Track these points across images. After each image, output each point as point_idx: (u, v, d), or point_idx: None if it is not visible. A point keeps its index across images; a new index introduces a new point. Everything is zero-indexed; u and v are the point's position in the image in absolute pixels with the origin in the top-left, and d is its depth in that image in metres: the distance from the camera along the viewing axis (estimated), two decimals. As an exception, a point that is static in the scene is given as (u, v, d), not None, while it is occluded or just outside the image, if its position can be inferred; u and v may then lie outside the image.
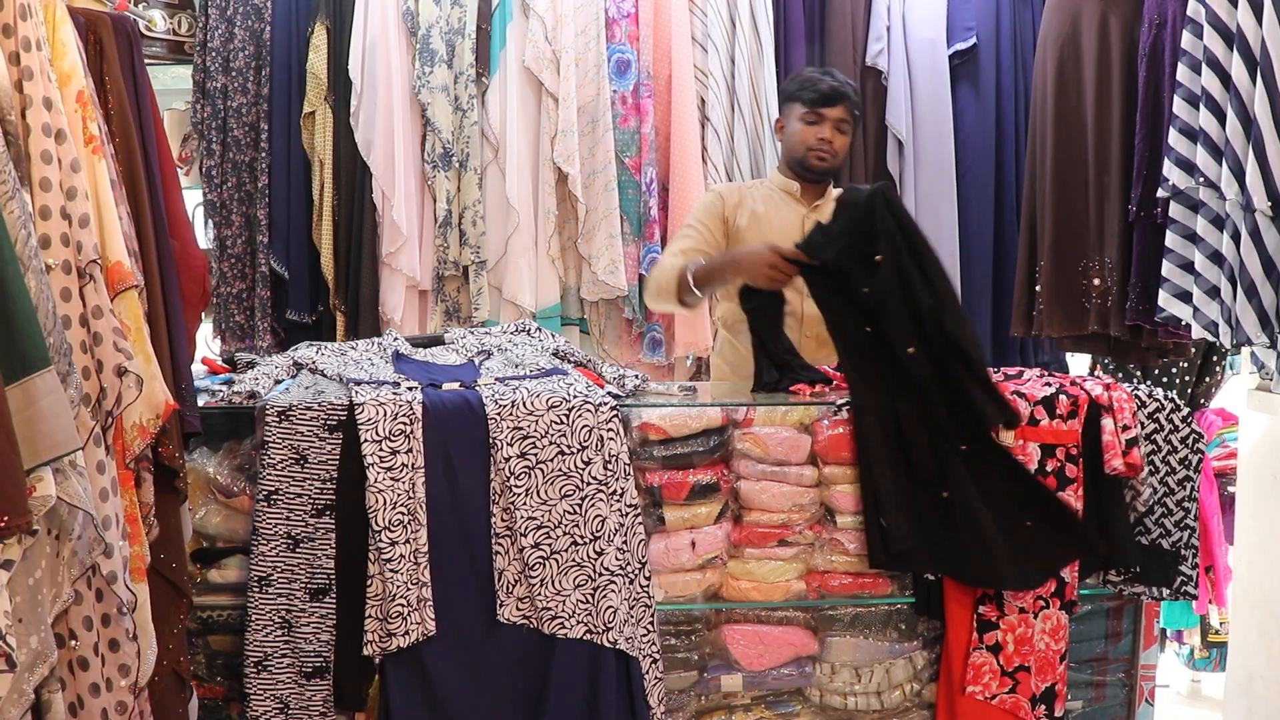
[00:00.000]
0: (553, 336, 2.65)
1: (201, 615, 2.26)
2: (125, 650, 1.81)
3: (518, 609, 2.20)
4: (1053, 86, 3.02)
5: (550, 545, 2.20)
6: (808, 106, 2.78)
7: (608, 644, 2.20)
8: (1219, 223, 2.45)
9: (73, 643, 1.74)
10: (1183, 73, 2.52)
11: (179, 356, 2.05)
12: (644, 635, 2.25)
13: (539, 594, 2.18)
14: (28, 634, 1.59)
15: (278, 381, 2.39)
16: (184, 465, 2.05)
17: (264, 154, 3.64)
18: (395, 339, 2.63)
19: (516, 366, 2.43)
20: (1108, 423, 2.35)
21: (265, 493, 2.15)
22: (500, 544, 2.20)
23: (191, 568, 2.21)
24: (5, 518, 1.44)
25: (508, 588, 2.20)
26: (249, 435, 2.27)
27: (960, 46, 3.73)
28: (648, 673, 2.24)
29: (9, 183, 1.58)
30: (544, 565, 2.19)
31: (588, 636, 2.20)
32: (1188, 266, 2.56)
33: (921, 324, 2.27)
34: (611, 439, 2.23)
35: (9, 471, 1.45)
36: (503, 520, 2.20)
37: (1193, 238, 2.54)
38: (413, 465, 2.16)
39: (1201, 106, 2.45)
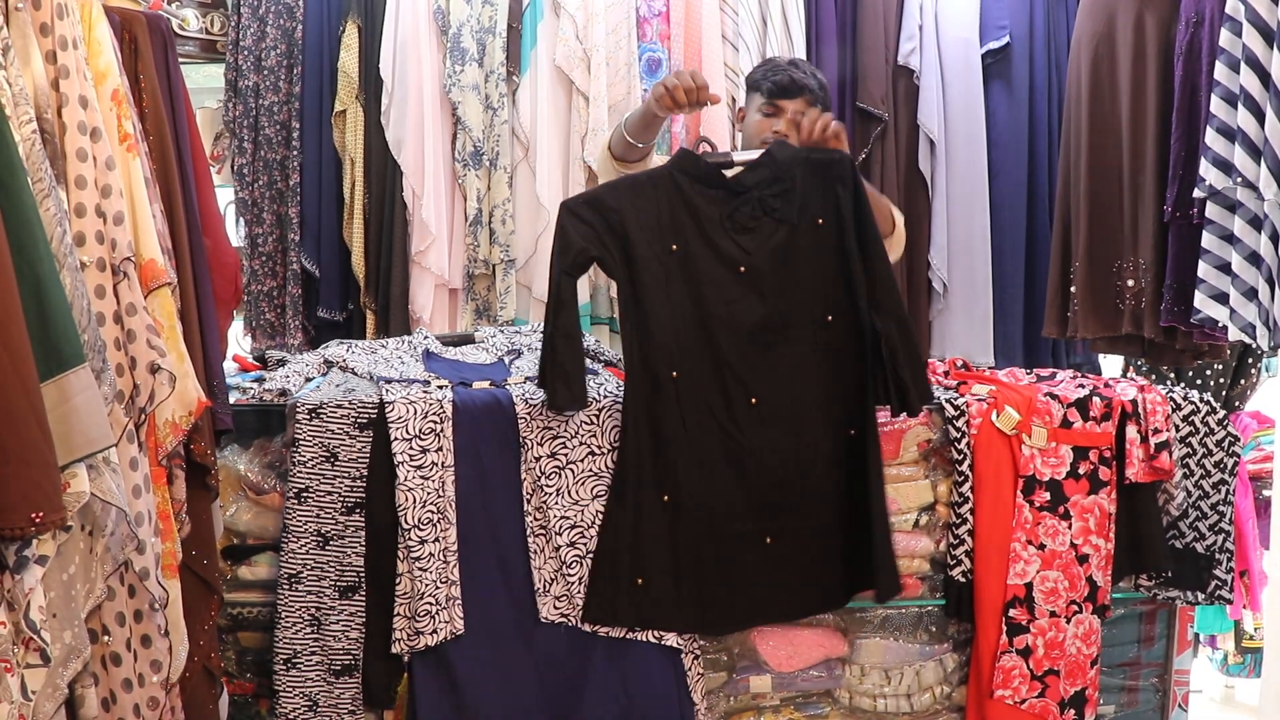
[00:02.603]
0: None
1: (232, 612, 2.27)
2: (157, 646, 1.82)
3: (555, 607, 2.21)
4: (1087, 86, 2.99)
5: (586, 545, 2.21)
6: (765, 97, 2.60)
7: (652, 640, 2.21)
8: (1257, 223, 2.41)
9: (105, 638, 1.75)
10: (1220, 71, 2.48)
11: (211, 354, 2.06)
12: (677, 637, 2.25)
13: (578, 592, 2.20)
14: (61, 629, 1.60)
15: (308, 379, 2.39)
16: (215, 462, 2.06)
17: (295, 152, 3.63)
18: (425, 337, 2.63)
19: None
20: (1131, 431, 2.34)
21: (296, 490, 2.15)
22: (536, 543, 2.21)
23: (222, 564, 2.21)
24: (40, 514, 1.45)
25: (545, 586, 2.20)
26: (280, 432, 2.27)
27: (993, 45, 3.68)
28: (690, 669, 2.24)
29: (45, 180, 1.58)
30: (580, 564, 2.20)
31: (630, 635, 2.21)
32: (1224, 268, 2.52)
33: (850, 294, 2.22)
34: (641, 439, 2.22)
35: (43, 468, 1.45)
36: (536, 519, 2.20)
37: (1230, 238, 2.50)
38: (443, 464, 2.16)
39: (1240, 105, 2.41)
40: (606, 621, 2.19)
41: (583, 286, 3.64)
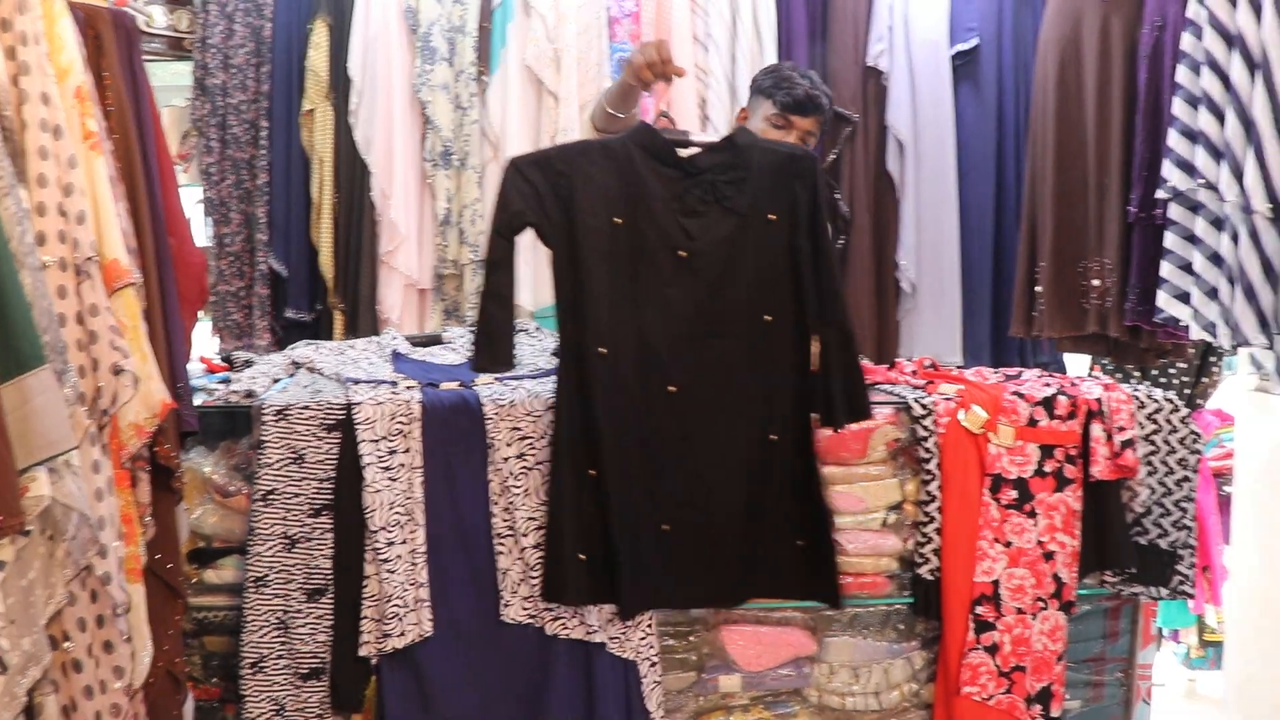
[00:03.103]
0: (551, 336, 2.63)
1: (197, 616, 2.24)
2: (119, 652, 1.79)
3: (523, 609, 2.20)
4: (1054, 88, 3.00)
5: None
6: (778, 109, 2.58)
7: (608, 646, 2.21)
8: (1218, 224, 2.43)
9: (66, 645, 1.71)
10: (1182, 74, 2.50)
11: (176, 355, 2.03)
12: (641, 639, 2.24)
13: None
14: (20, 636, 1.57)
15: (275, 380, 2.37)
16: (180, 465, 2.03)
17: (263, 151, 3.62)
18: (394, 338, 2.62)
19: (517, 366, 2.42)
20: (1096, 429, 2.35)
21: (262, 492, 2.13)
22: (503, 544, 2.19)
23: (187, 568, 2.19)
24: (-2, 518, 1.42)
25: (512, 588, 2.19)
26: (246, 434, 2.25)
27: (962, 47, 3.69)
28: (645, 677, 2.23)
29: (5, 178, 1.56)
30: (546, 566, 2.18)
31: (587, 636, 2.19)
32: (1187, 268, 2.54)
33: (795, 297, 2.18)
34: (610, 439, 2.21)
35: (1, 471, 1.43)
36: (504, 520, 2.19)
37: (1192, 239, 2.52)
38: (410, 465, 2.15)
39: (1201, 108, 2.43)
40: (559, 597, 2.17)
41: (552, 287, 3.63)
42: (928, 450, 2.35)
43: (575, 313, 2.15)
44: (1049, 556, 2.34)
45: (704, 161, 2.17)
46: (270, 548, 2.14)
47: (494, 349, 2.14)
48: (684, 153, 2.18)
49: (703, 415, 2.19)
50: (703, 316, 2.18)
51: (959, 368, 2.97)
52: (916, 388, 2.49)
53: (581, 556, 2.16)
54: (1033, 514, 2.34)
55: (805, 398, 2.20)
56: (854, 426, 2.30)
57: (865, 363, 2.88)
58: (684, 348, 2.17)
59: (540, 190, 2.13)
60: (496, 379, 2.32)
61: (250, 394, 2.28)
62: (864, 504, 2.36)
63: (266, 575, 2.13)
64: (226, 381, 2.42)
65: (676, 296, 2.17)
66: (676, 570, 2.21)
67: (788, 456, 2.21)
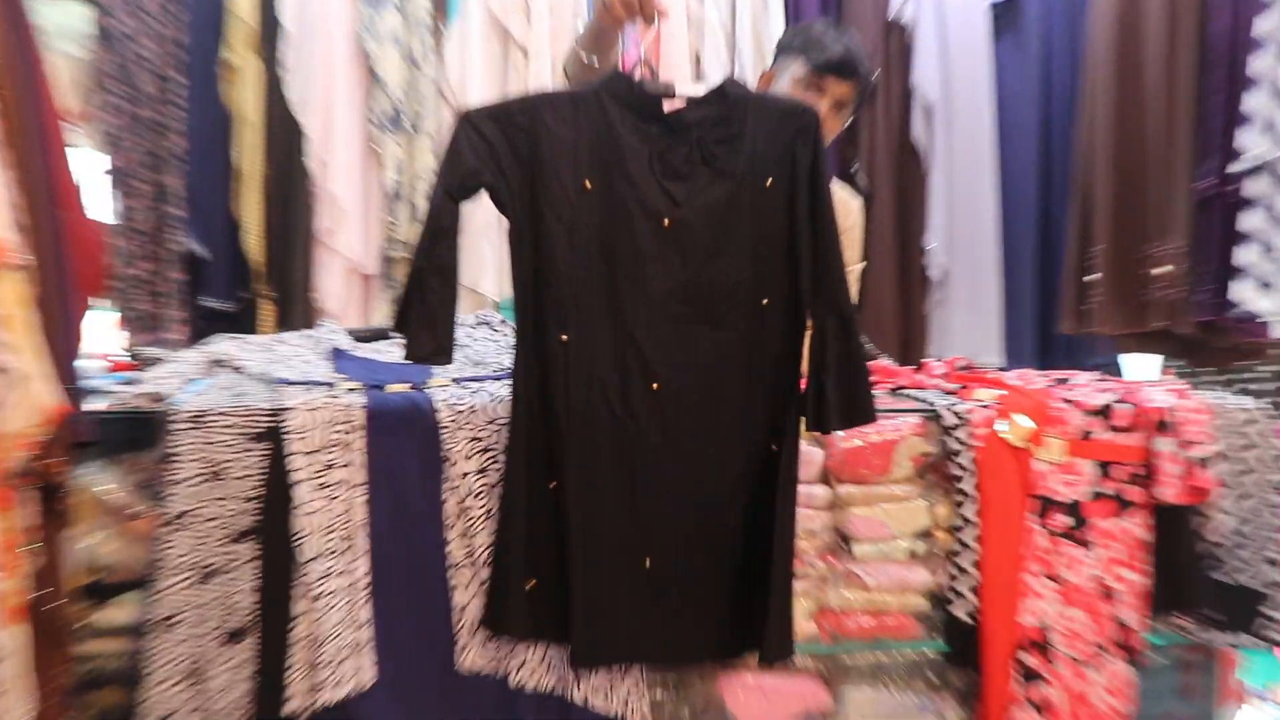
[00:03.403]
0: (518, 330, 2.61)
1: (89, 665, 2.20)
2: (-6, 708, 1.75)
3: (482, 654, 2.18)
4: (1111, 40, 3.00)
5: None
6: (811, 69, 2.60)
7: (589, 701, 2.19)
8: (1309, 201, 2.42)
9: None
10: (1267, 24, 2.49)
11: (65, 349, 1.99)
12: (629, 692, 2.23)
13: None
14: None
15: (190, 381, 2.35)
16: (70, 482, 2.00)
17: (177, 110, 3.59)
18: (333, 332, 2.61)
19: (476, 365, 2.40)
20: (1163, 444, 2.33)
21: (172, 515, 2.10)
22: (460, 576, 2.17)
23: (78, 606, 2.15)
24: None
25: (470, 629, 2.17)
26: (154, 445, 2.22)
27: (1001, -7, 3.72)
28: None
29: None
30: (510, 602, 2.16)
31: (561, 691, 2.18)
32: (1268, 252, 2.54)
33: (795, 276, 2.14)
34: (588, 452, 2.18)
35: None
36: (462, 548, 2.17)
37: (1276, 219, 2.51)
38: (351, 482, 2.13)
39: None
40: (498, 629, 2.13)
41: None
42: (962, 467, 2.34)
43: (535, 292, 2.11)
44: (1109, 595, 2.33)
45: (690, 116, 2.14)
46: (181, 581, 2.10)
47: (437, 333, 2.08)
48: (667, 106, 2.15)
49: (694, 419, 2.14)
50: (689, 298, 2.14)
51: (998, 370, 2.96)
52: (948, 393, 2.48)
53: (529, 583, 2.12)
54: (1088, 544, 2.33)
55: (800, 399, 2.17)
56: (873, 437, 2.28)
57: (887, 363, 2.88)
58: (669, 334, 2.13)
59: (497, 147, 2.09)
60: (455, 380, 2.30)
61: (159, 397, 2.24)
62: (887, 530, 2.34)
63: (176, 614, 2.09)
64: (132, 382, 2.39)
65: (658, 274, 2.13)
66: (660, 616, 2.16)
67: (793, 470, 2.18)
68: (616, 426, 2.12)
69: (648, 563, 2.15)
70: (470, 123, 2.09)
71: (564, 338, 2.10)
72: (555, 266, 2.10)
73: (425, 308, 2.07)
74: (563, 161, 2.10)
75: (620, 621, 2.14)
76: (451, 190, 2.07)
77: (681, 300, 2.13)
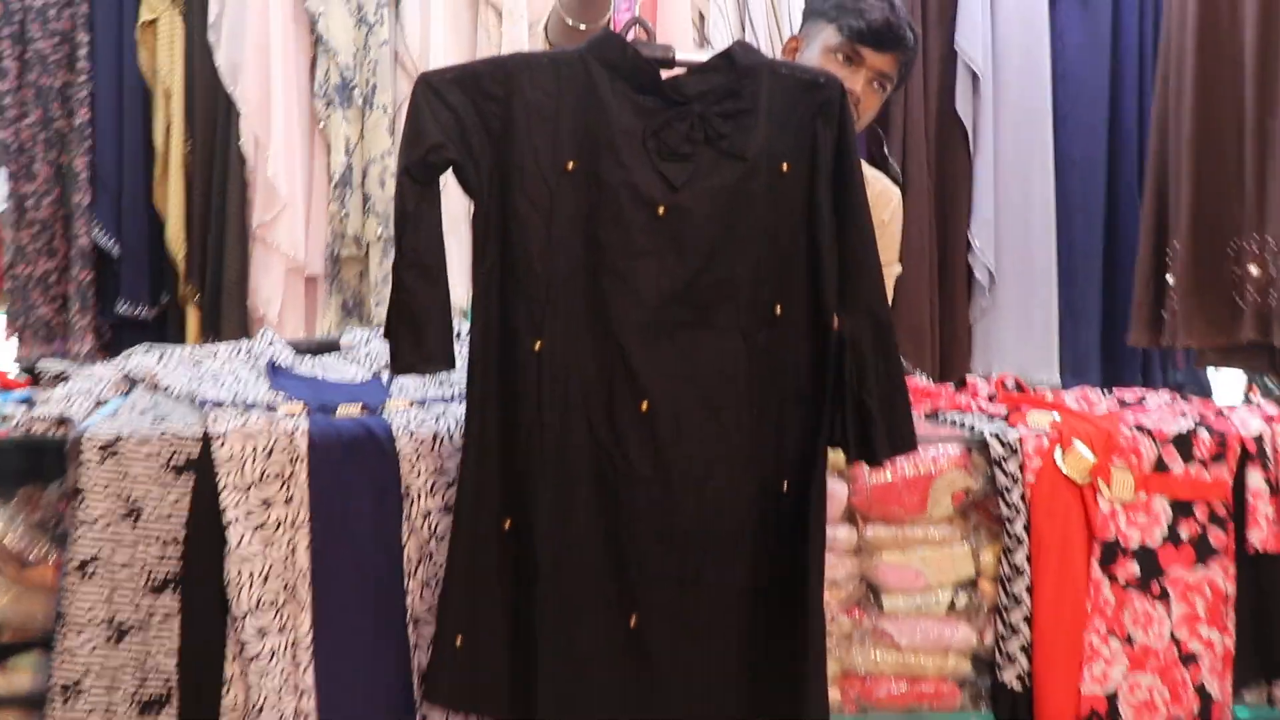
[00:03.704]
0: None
1: (-23, 740, 2.21)
2: None
3: (444, 723, 2.17)
4: (1196, -3, 3.00)
5: None
6: (845, 37, 2.57)
7: None
8: None
9: None
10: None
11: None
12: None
13: None
14: None
15: (101, 402, 2.34)
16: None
17: (83, 78, 3.60)
18: (271, 343, 2.60)
19: (441, 384, 2.39)
20: (1254, 478, 2.35)
21: (80, 560, 2.10)
22: (422, 633, 2.17)
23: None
24: None
25: (432, 696, 2.16)
26: (56, 478, 2.22)
27: (1062, -59, 3.73)
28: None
29: None
30: (482, 663, 2.15)
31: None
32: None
33: (814, 277, 2.13)
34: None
35: None
36: (423, 600, 2.17)
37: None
38: (292, 522, 2.13)
39: None
40: (428, 695, 2.11)
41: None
42: (1012, 506, 2.34)
43: (502, 290, 2.09)
44: (1189, 660, 2.33)
45: (692, 87, 2.12)
46: (89, 640, 2.10)
47: (421, 339, 2.06)
48: (666, 75, 2.13)
49: (691, 445, 2.11)
50: (687, 300, 2.11)
51: (1055, 389, 2.97)
52: (995, 417, 2.49)
53: (459, 640, 2.07)
54: (1164, 597, 2.33)
55: (820, 425, 2.13)
56: (906, 470, 2.29)
57: (923, 381, 2.88)
58: (663, 344, 2.10)
59: (463, 117, 2.08)
60: (416, 402, 2.30)
61: (64, 421, 2.24)
62: (923, 580, 2.35)
63: (82, 679, 2.09)
64: (29, 403, 2.38)
65: (650, 271, 2.10)
66: (648, 687, 2.12)
67: (803, 510, 2.13)
68: (597, 454, 2.09)
69: (633, 621, 2.10)
70: (432, 88, 2.07)
71: (537, 345, 2.06)
72: (529, 260, 2.08)
73: (404, 310, 2.06)
74: (541, 137, 2.08)
75: (596, 693, 2.10)
76: (413, 169, 2.06)
77: (678, 303, 2.10)
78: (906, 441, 2.13)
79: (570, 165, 2.08)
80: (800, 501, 2.11)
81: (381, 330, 2.13)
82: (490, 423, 2.08)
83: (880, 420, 2.10)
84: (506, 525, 2.08)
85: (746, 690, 2.15)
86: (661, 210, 2.09)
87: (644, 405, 2.08)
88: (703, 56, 2.15)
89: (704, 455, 2.10)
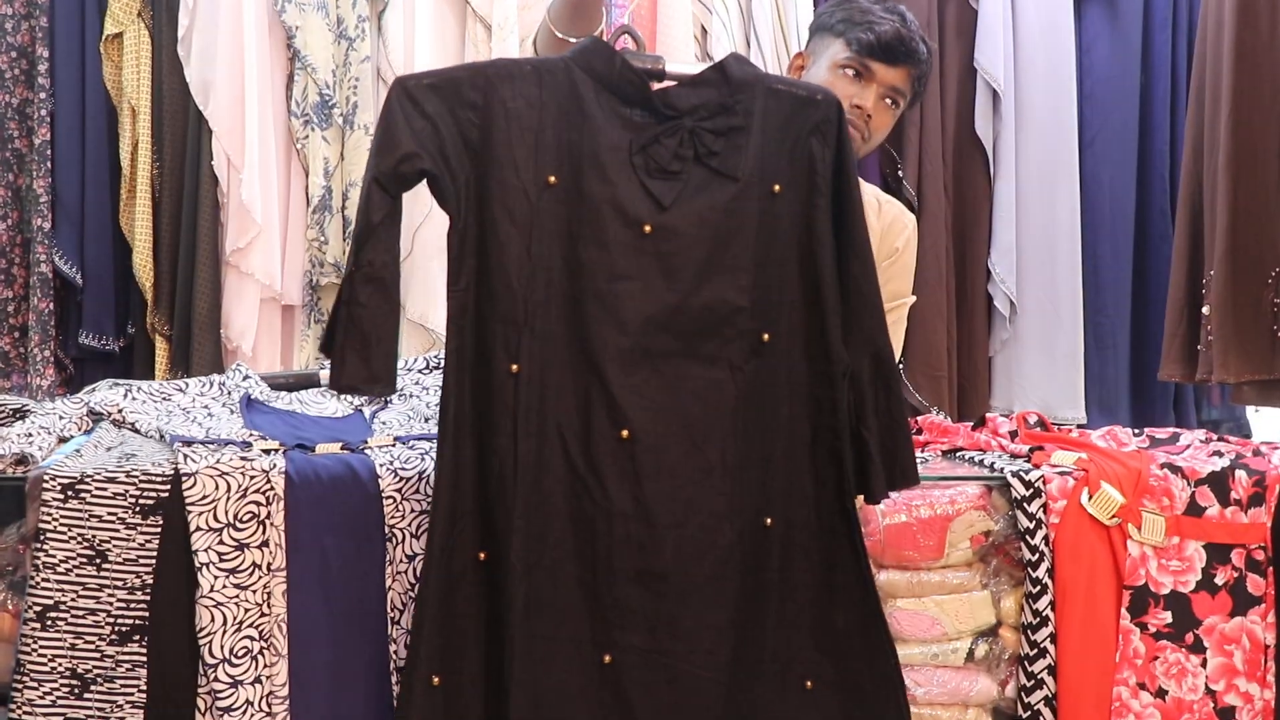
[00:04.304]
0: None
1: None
2: None
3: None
4: (1233, 6, 3.01)
5: None
6: (854, 51, 2.61)
7: None
8: None
9: None
10: None
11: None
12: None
13: None
14: None
15: (64, 439, 2.35)
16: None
17: (43, 95, 3.61)
18: (245, 377, 2.60)
19: (427, 421, 2.39)
20: (1298, 523, 2.35)
21: (40, 608, 2.09)
22: (405, 684, 2.16)
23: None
24: None
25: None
26: (15, 520, 2.22)
27: (1089, -49, 3.75)
28: None
29: None
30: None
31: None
32: None
33: (808, 304, 2.15)
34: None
35: None
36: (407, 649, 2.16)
37: None
38: (268, 565, 2.12)
39: None
40: None
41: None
42: (1035, 550, 2.35)
43: (478, 310, 2.09)
44: (1226, 715, 2.34)
45: (683, 101, 2.13)
46: (50, 692, 2.09)
47: (369, 357, 2.05)
48: (655, 87, 2.14)
49: (671, 478, 2.11)
50: (672, 327, 2.11)
51: (1081, 427, 2.97)
52: (1017, 456, 2.50)
53: (435, 680, 2.06)
54: (1199, 648, 2.34)
55: (819, 463, 2.16)
56: (922, 511, 2.30)
57: (939, 418, 2.89)
58: (645, 372, 2.11)
59: (440, 126, 2.08)
60: (398, 440, 2.30)
61: (23, 459, 2.24)
62: (940, 628, 2.36)
63: (44, 734, 2.10)
64: (-12, 440, 2.39)
65: (635, 293, 2.10)
66: None
67: (793, 553, 2.16)
68: (574, 485, 2.09)
69: (608, 659, 2.10)
70: (407, 93, 2.06)
71: (514, 368, 2.07)
72: (507, 279, 2.08)
73: (354, 324, 2.05)
74: (521, 149, 2.09)
75: None
76: (383, 178, 2.05)
77: (663, 329, 2.11)
78: (906, 477, 2.16)
79: (552, 179, 2.09)
80: (791, 534, 2.15)
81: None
82: (464, 449, 2.08)
83: (878, 456, 2.13)
84: (482, 557, 2.08)
85: None
86: (648, 229, 2.10)
87: (624, 434, 2.08)
88: (694, 69, 2.16)
89: (686, 490, 2.11)
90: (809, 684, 2.17)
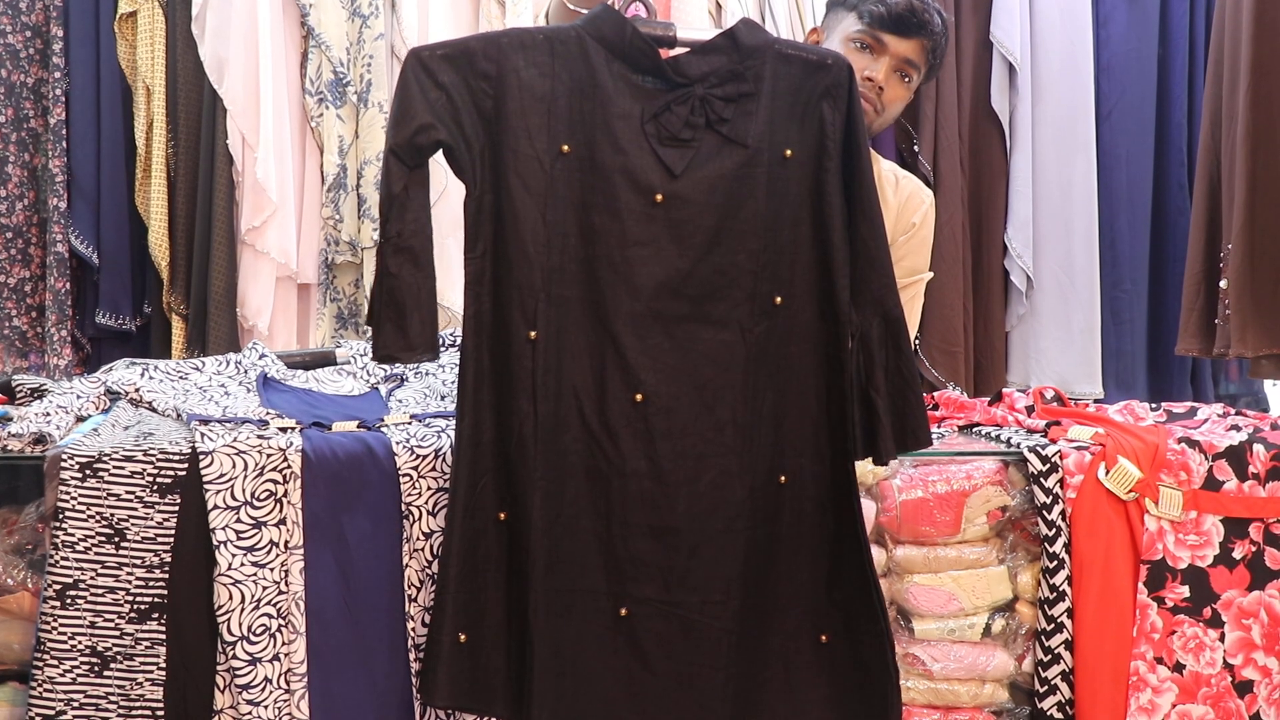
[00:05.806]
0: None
1: (-48, 780, 2.22)
2: None
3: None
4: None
5: None
6: (865, 24, 2.64)
7: None
8: None
9: None
10: None
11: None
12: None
13: None
14: None
15: (81, 418, 2.35)
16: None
17: (58, 74, 3.61)
18: (262, 356, 2.60)
19: (443, 399, 2.40)
20: (1312, 496, 2.35)
21: (59, 586, 2.10)
22: (423, 660, 2.17)
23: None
24: None
25: (434, 725, 2.17)
26: (34, 499, 2.23)
27: (1106, -77, 3.73)
28: None
29: None
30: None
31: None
32: None
33: (820, 267, 2.18)
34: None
35: None
36: (425, 625, 2.17)
37: None
38: (285, 543, 2.13)
39: None
40: (429, 696, 2.12)
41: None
42: (1052, 524, 2.35)
43: (497, 278, 2.12)
44: (1244, 689, 2.34)
45: (694, 68, 2.14)
46: (70, 670, 2.10)
47: (406, 326, 2.09)
48: (666, 54, 2.15)
49: (684, 438, 2.15)
50: (684, 292, 2.15)
51: (1098, 402, 2.97)
52: (1034, 431, 2.50)
53: (461, 638, 2.10)
54: (1216, 622, 2.34)
55: (832, 421, 2.19)
56: (939, 486, 2.30)
57: (956, 394, 2.89)
58: (658, 336, 2.14)
59: (455, 97, 2.09)
60: (416, 417, 2.31)
61: (41, 439, 2.25)
62: (956, 603, 2.36)
63: (64, 711, 2.09)
64: (4, 419, 2.39)
65: (647, 259, 2.13)
66: (638, 677, 2.16)
67: (806, 508, 2.19)
68: (590, 446, 2.13)
69: (623, 611, 2.15)
70: (422, 64, 2.08)
71: (531, 334, 2.10)
72: (523, 246, 2.10)
73: (388, 295, 2.08)
74: (535, 118, 2.10)
75: (593, 685, 2.14)
76: (400, 149, 2.07)
77: (675, 294, 2.14)
78: (917, 439, 2.18)
79: (565, 148, 2.11)
80: (803, 492, 2.18)
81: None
82: (484, 409, 2.11)
83: (886, 417, 2.15)
84: (502, 517, 2.12)
85: (740, 693, 2.20)
86: (659, 198, 2.13)
87: (637, 397, 2.12)
88: (705, 36, 2.16)
89: (698, 449, 2.15)
90: (824, 638, 2.21)
